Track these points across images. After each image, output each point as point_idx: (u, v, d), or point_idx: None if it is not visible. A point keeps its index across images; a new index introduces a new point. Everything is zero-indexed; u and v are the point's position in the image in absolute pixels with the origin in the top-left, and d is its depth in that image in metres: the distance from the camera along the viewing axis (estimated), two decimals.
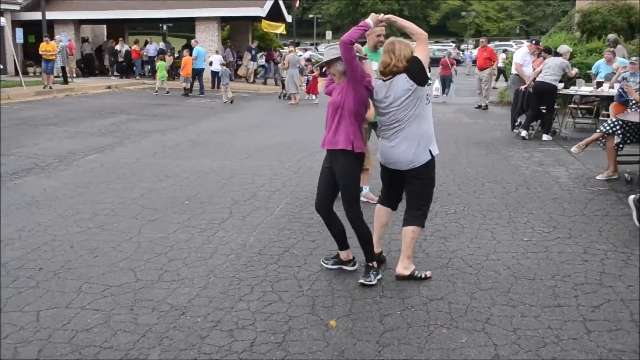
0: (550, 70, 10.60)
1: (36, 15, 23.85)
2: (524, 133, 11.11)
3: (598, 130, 8.05)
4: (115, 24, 29.55)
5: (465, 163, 8.88)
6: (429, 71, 4.53)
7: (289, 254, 5.06)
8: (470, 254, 5.06)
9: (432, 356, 3.44)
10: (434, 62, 29.81)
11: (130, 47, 27.16)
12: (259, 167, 8.55)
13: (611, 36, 14.27)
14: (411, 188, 4.53)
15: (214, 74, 21.74)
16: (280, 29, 29.14)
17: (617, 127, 7.63)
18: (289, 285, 4.42)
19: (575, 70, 11.55)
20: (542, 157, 9.40)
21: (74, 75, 25.05)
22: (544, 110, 11.04)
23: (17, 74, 21.35)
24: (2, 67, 22.93)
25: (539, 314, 3.94)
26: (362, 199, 6.65)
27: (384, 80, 4.38)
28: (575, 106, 12.34)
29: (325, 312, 3.98)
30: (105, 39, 29.85)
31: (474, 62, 21.21)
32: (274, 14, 27.57)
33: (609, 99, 10.31)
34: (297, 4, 35.02)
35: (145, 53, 26.98)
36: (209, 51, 23.73)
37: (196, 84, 21.06)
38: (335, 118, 4.35)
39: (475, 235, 5.56)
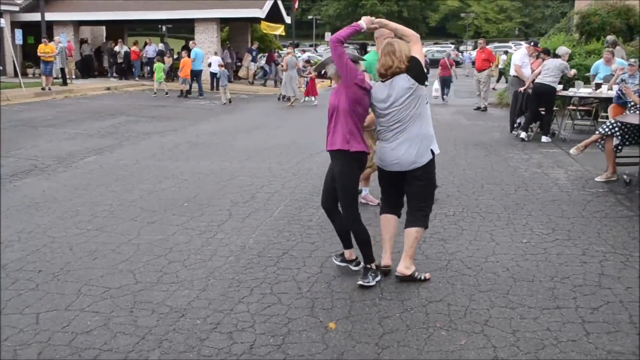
0: (549, 71, 10.61)
1: (35, 17, 23.84)
2: (523, 135, 11.12)
3: (597, 132, 8.06)
4: (114, 25, 29.54)
5: (464, 165, 8.89)
6: (428, 72, 4.54)
7: (288, 256, 5.07)
8: (469, 256, 5.07)
9: (431, 358, 3.44)
10: (433, 63, 29.88)
11: (129, 49, 27.16)
12: (259, 169, 8.55)
13: (610, 38, 14.30)
14: (412, 189, 4.52)
15: (213, 75, 21.75)
16: (280, 30, 29.17)
17: (616, 128, 7.64)
18: (288, 287, 4.43)
19: (573, 71, 11.57)
20: (541, 158, 9.41)
21: (73, 76, 25.04)
22: (542, 112, 11.05)
23: (16, 75, 21.35)
24: (1, 68, 22.94)
25: (538, 315, 3.94)
26: (361, 200, 6.69)
27: (383, 81, 4.39)
28: (574, 108, 12.37)
29: (325, 314, 3.98)
30: (104, 40, 29.84)
31: (473, 63, 21.24)
32: (273, 15, 27.59)
33: (607, 100, 10.32)
34: (296, 5, 35.02)
35: (144, 54, 26.98)
36: (208, 52, 23.75)
37: (195, 85, 21.06)
38: (332, 119, 4.40)
39: (474, 237, 5.57)
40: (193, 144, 10.81)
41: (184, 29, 37.43)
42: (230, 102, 18.33)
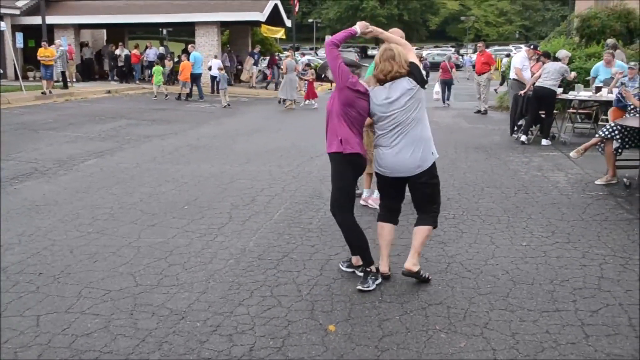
0: (549, 75, 10.63)
1: (36, 20, 23.88)
2: (523, 138, 11.13)
3: (597, 135, 8.07)
4: (115, 29, 29.63)
5: (464, 168, 8.90)
6: (428, 75, 4.58)
7: (288, 259, 5.07)
8: (469, 259, 5.08)
9: None
10: (434, 66, 29.91)
11: (130, 52, 27.21)
12: (259, 172, 8.56)
13: (610, 41, 14.31)
14: (419, 194, 4.54)
15: (213, 79, 21.78)
16: (280, 33, 29.19)
17: (616, 132, 7.65)
18: (288, 290, 4.43)
19: (573, 74, 11.58)
20: (541, 161, 9.42)
21: (74, 79, 25.08)
22: (543, 115, 11.06)
23: (17, 78, 21.37)
24: (2, 71, 22.98)
25: (538, 318, 3.95)
26: (361, 202, 6.71)
27: (382, 84, 4.41)
28: (574, 111, 12.37)
29: (325, 316, 3.99)
30: (105, 44, 29.90)
31: (474, 66, 21.29)
32: (274, 19, 27.64)
33: (607, 103, 10.33)
34: (297, 8, 35.07)
35: (145, 58, 27.02)
36: (208, 56, 23.80)
37: (196, 88, 21.07)
38: (328, 123, 4.45)
39: (474, 240, 5.58)
40: (193, 147, 10.82)
41: (185, 32, 37.58)
42: (228, 105, 18.34)
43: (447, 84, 19.23)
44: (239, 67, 28.50)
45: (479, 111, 16.67)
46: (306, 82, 19.83)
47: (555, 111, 11.48)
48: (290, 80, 18.45)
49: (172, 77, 24.72)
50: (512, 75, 13.42)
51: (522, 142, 11.06)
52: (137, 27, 37.10)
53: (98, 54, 29.17)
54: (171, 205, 6.76)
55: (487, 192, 7.40)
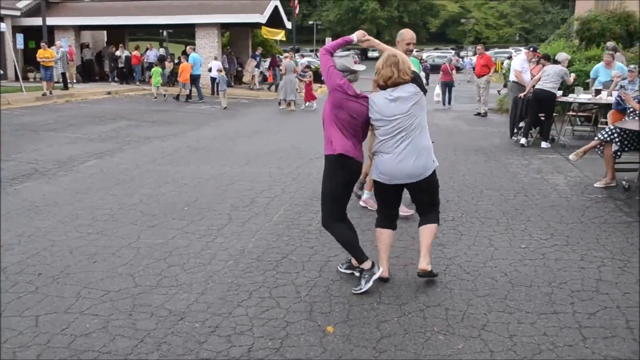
0: (549, 77, 10.65)
1: (37, 21, 23.93)
2: (523, 140, 11.14)
3: (596, 138, 8.08)
4: (115, 30, 29.67)
5: (463, 170, 8.91)
6: (428, 77, 4.61)
7: (287, 260, 5.08)
8: (468, 261, 5.09)
9: None
10: (434, 68, 29.81)
11: (130, 53, 27.23)
12: (258, 174, 8.57)
13: (610, 44, 14.33)
14: (420, 196, 4.61)
15: (213, 80, 21.81)
16: (280, 35, 29.24)
17: (615, 134, 7.66)
18: (287, 291, 4.44)
19: (573, 77, 11.59)
20: (540, 164, 9.43)
21: (74, 80, 25.09)
22: (542, 118, 11.07)
23: (17, 79, 21.39)
24: (2, 72, 23.00)
25: (535, 320, 3.96)
26: (360, 203, 6.72)
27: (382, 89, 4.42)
28: (574, 114, 12.39)
29: (323, 318, 4.00)
30: (105, 45, 29.92)
31: (474, 69, 21.29)
32: (274, 21, 27.68)
33: (607, 106, 10.34)
34: (297, 10, 35.12)
35: (145, 59, 27.05)
36: (208, 57, 23.82)
37: (195, 89, 21.09)
38: (324, 128, 4.51)
39: (472, 242, 5.59)
40: (193, 149, 10.83)
41: (185, 34, 37.59)
42: (226, 108, 18.37)
43: (447, 86, 19.25)
44: (239, 68, 28.53)
45: (478, 113, 16.70)
46: (304, 83, 19.85)
47: (554, 114, 11.50)
48: (289, 81, 18.47)
49: (172, 79, 24.74)
50: (511, 77, 13.45)
51: (522, 145, 11.08)
52: (138, 29, 37.06)
53: (98, 55, 29.20)
54: (171, 207, 6.77)
55: (487, 195, 7.41)
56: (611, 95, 10.66)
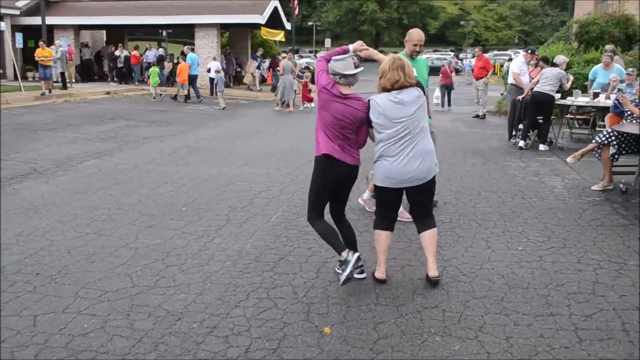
0: (547, 80, 10.67)
1: (36, 20, 23.91)
2: (521, 143, 11.16)
3: (594, 141, 8.10)
4: (114, 30, 29.67)
5: (462, 172, 8.92)
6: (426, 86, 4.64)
7: (285, 261, 5.10)
8: (465, 263, 5.10)
9: None
10: (434, 70, 29.87)
11: (129, 53, 27.23)
12: (257, 175, 8.59)
13: (608, 47, 14.36)
14: (419, 199, 4.61)
15: (212, 81, 21.82)
16: (280, 36, 29.25)
17: (613, 138, 7.69)
18: (284, 292, 4.46)
19: (569, 83, 11.59)
20: (538, 167, 9.45)
21: (73, 80, 25.09)
22: (540, 120, 11.09)
23: (16, 78, 21.39)
24: (1, 71, 22.99)
25: (532, 322, 3.97)
26: (359, 201, 6.73)
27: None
28: (572, 117, 12.41)
29: (320, 319, 4.01)
30: (104, 45, 29.92)
31: (473, 71, 21.31)
32: (274, 21, 27.68)
33: (605, 109, 10.37)
34: (297, 11, 35.14)
35: (144, 59, 27.05)
36: (207, 58, 23.82)
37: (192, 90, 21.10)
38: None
39: (470, 244, 5.60)
40: (192, 149, 10.84)
41: (184, 34, 37.61)
42: (224, 108, 18.38)
43: (447, 89, 19.29)
44: (238, 69, 28.53)
45: (477, 116, 16.71)
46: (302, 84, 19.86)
47: (553, 116, 11.52)
48: (287, 82, 18.47)
49: (171, 79, 24.74)
50: (510, 80, 13.46)
51: (520, 147, 11.09)
52: (137, 29, 37.09)
53: (97, 55, 29.20)
54: (169, 207, 6.78)
55: (484, 197, 7.43)
56: (609, 98, 10.68)
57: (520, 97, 11.47)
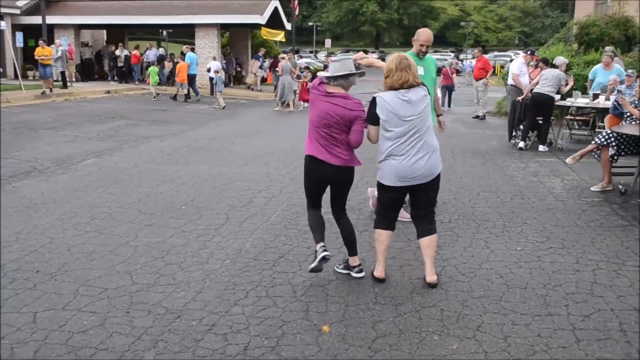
0: (547, 81, 10.69)
1: (36, 20, 23.92)
2: (521, 144, 11.16)
3: (593, 142, 8.11)
4: (115, 29, 29.67)
5: (461, 172, 8.94)
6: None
7: (284, 260, 5.11)
8: (464, 263, 5.11)
9: None
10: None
11: (129, 52, 27.24)
12: (257, 174, 8.60)
13: (608, 48, 14.38)
14: (424, 198, 4.62)
15: (211, 80, 21.83)
16: (280, 36, 29.26)
17: (612, 139, 7.70)
18: (283, 290, 4.47)
19: (568, 87, 11.60)
20: (537, 167, 9.46)
21: (74, 79, 25.11)
22: (540, 121, 11.11)
23: (16, 77, 21.39)
24: (1, 70, 23.00)
25: (530, 322, 3.99)
26: (369, 189, 6.74)
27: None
28: (572, 118, 12.43)
29: (319, 317, 4.03)
30: (105, 44, 29.93)
31: (473, 71, 21.34)
32: (274, 21, 27.69)
33: (604, 111, 10.38)
34: (297, 11, 35.15)
35: (145, 58, 27.06)
36: (207, 57, 23.83)
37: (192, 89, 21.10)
38: None
39: (469, 244, 5.62)
40: (192, 149, 10.85)
41: (185, 34, 37.59)
42: (222, 108, 18.38)
43: (448, 89, 19.35)
44: (238, 69, 28.53)
45: (477, 116, 16.72)
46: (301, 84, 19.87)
47: (552, 117, 11.53)
48: (286, 82, 18.48)
49: (171, 79, 24.74)
50: (509, 81, 13.48)
51: (520, 148, 11.10)
52: (137, 28, 37.08)
53: (98, 54, 29.21)
54: (169, 206, 6.79)
55: (483, 197, 7.44)
56: (608, 99, 10.70)
57: (520, 98, 11.49)
